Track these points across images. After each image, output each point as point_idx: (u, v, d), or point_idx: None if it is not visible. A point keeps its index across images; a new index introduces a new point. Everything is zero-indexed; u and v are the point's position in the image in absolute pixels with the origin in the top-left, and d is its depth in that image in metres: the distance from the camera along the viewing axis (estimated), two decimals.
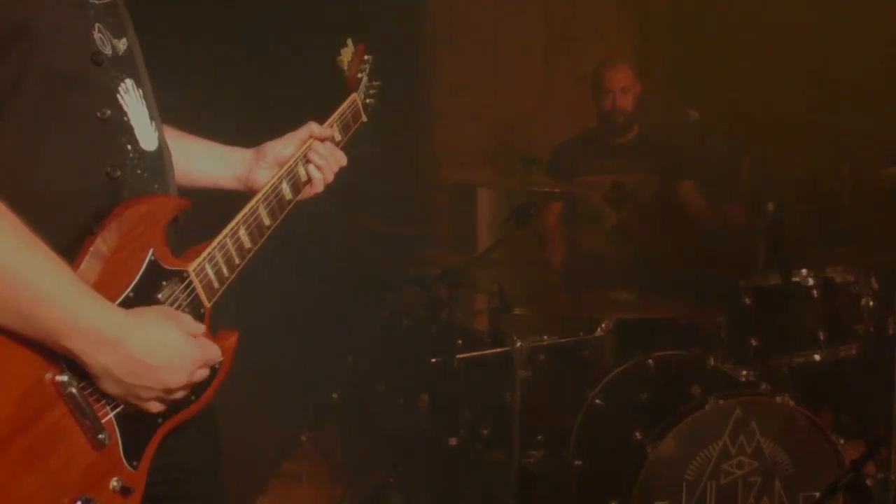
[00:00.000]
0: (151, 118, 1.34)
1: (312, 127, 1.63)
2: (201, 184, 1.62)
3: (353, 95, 1.73)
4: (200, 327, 1.28)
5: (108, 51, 1.26)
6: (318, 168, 1.61)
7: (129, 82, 1.30)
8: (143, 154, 1.30)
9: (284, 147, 1.61)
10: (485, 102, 4.82)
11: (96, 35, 1.24)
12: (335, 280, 4.00)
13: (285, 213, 1.53)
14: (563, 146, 4.01)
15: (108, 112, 1.24)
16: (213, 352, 1.29)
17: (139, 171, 1.29)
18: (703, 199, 3.78)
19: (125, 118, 1.27)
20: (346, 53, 1.72)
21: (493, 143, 4.84)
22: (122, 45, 1.31)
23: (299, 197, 1.60)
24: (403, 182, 4.62)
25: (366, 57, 1.79)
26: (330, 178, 1.64)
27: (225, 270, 1.37)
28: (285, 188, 1.52)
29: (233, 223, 1.40)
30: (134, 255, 1.23)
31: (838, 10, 4.00)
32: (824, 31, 4.07)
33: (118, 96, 1.27)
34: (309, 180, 1.61)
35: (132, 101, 1.30)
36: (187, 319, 1.26)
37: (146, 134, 1.32)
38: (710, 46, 4.47)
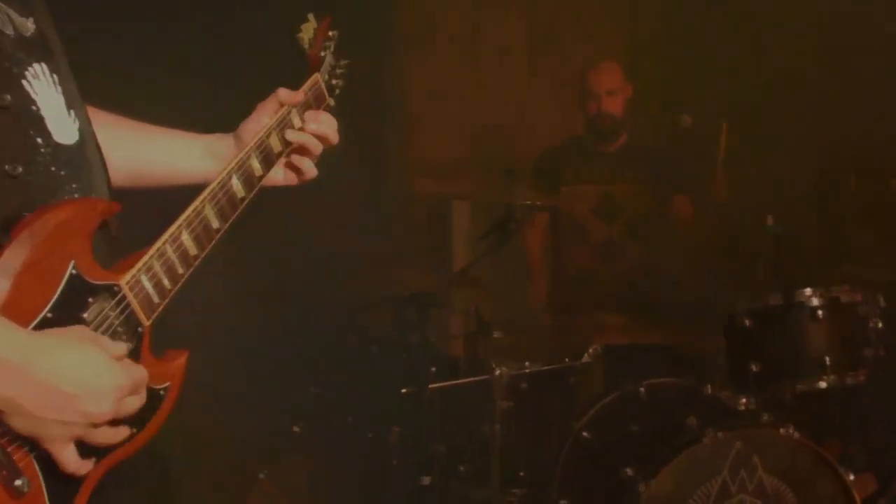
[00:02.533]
0: (70, 107, 1.28)
1: (280, 94, 1.60)
2: (187, 181, 1.58)
3: (316, 76, 1.68)
4: (122, 347, 1.21)
5: (9, 31, 1.20)
6: (301, 146, 1.59)
7: (39, 67, 1.24)
8: (57, 148, 1.23)
9: (257, 121, 1.58)
10: (462, 108, 4.82)
11: None
12: (295, 302, 3.94)
13: (239, 210, 1.47)
14: (547, 154, 4.02)
15: (9, 98, 1.17)
16: (140, 374, 1.22)
17: (53, 169, 1.21)
18: (692, 209, 3.78)
19: (33, 107, 1.21)
20: (308, 29, 1.67)
21: (470, 151, 4.83)
22: (29, 24, 1.25)
23: (289, 182, 1.57)
24: (372, 194, 4.59)
25: (330, 33, 1.73)
26: (317, 152, 1.61)
27: (166, 282, 1.30)
28: (236, 183, 1.47)
29: (173, 227, 1.34)
30: (52, 270, 1.16)
31: (844, 9, 4.04)
32: (829, 31, 4.11)
33: (24, 82, 1.20)
34: (285, 149, 1.57)
35: (43, 87, 1.23)
36: (106, 341, 1.20)
37: (62, 125, 1.25)
38: (705, 47, 4.49)
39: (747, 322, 2.87)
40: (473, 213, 4.66)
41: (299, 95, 1.62)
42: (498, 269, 3.89)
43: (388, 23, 4.75)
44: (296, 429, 3.76)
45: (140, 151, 1.55)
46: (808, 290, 2.86)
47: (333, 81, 1.74)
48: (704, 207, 3.65)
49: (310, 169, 1.62)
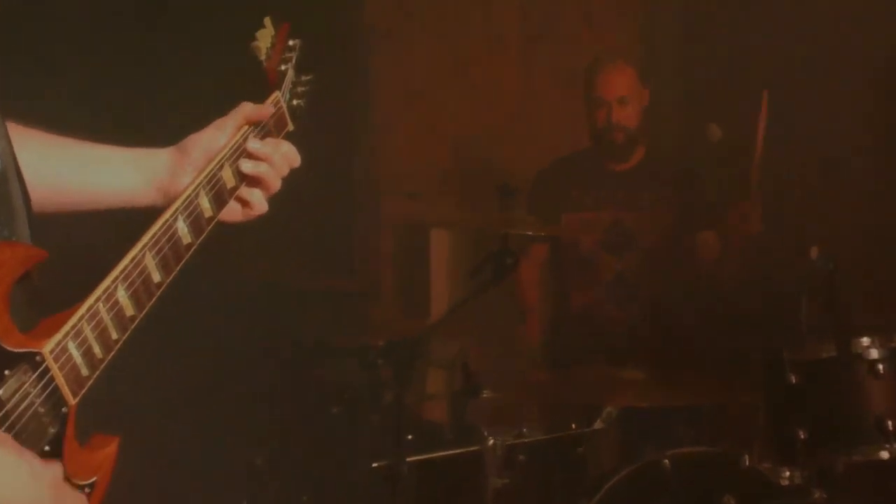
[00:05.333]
0: None
1: (245, 109, 1.60)
2: (111, 203, 1.58)
3: (276, 94, 1.69)
4: (50, 473, 1.20)
5: None
6: (257, 178, 1.58)
7: None
8: None
9: (213, 138, 1.58)
10: (444, 113, 4.84)
11: None
12: (240, 353, 3.93)
13: (184, 261, 1.47)
14: (547, 172, 4.05)
15: None
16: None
17: None
18: (718, 248, 3.81)
19: None
20: (264, 37, 1.67)
21: (454, 167, 4.85)
22: None
23: (232, 218, 1.58)
24: (333, 220, 4.59)
25: (290, 42, 1.75)
26: (276, 185, 1.61)
27: (97, 350, 1.30)
28: (182, 227, 1.46)
29: (107, 280, 1.33)
30: None
31: None
32: (887, 24, 4.16)
33: None
34: (239, 184, 1.57)
35: None
36: (33, 460, 1.18)
37: None
38: (737, 42, 4.53)
39: (793, 378, 2.88)
40: (458, 245, 4.66)
41: (268, 109, 1.62)
42: (489, 314, 3.90)
43: (354, 10, 4.77)
44: None
45: (46, 164, 1.54)
46: (865, 340, 2.86)
47: (295, 102, 1.74)
48: (734, 243, 3.66)
49: (260, 204, 1.63)
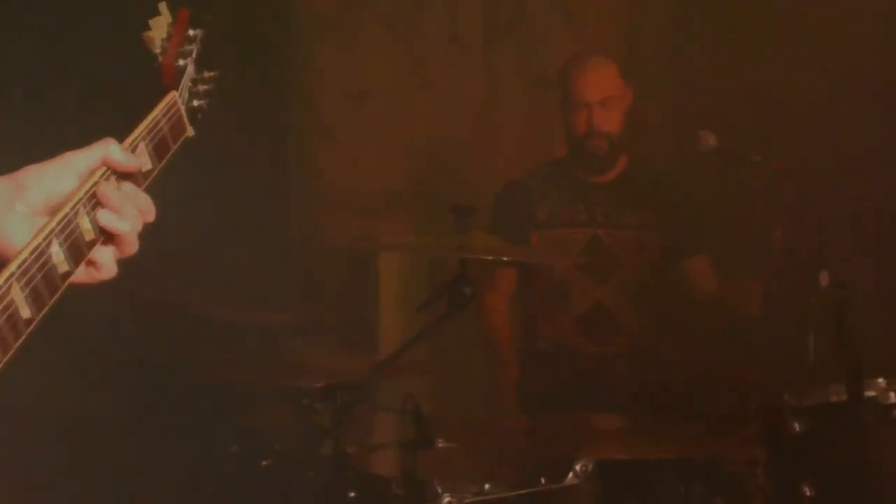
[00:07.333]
0: None
1: (111, 147, 1.51)
2: None
3: (173, 94, 1.66)
4: None
5: None
6: (110, 231, 1.49)
7: None
8: None
9: (59, 175, 1.50)
10: (395, 118, 4.85)
11: None
12: (154, 396, 3.90)
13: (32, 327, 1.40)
14: (513, 187, 4.04)
15: None
16: None
17: None
18: (715, 283, 3.84)
19: None
20: (159, 25, 1.65)
21: (405, 180, 4.86)
22: None
23: (76, 279, 1.48)
24: (265, 242, 4.56)
25: (191, 32, 1.73)
26: (133, 247, 1.53)
27: None
28: (19, 297, 1.36)
29: None
30: None
31: None
32: (889, 26, 4.21)
33: None
34: (97, 240, 1.49)
35: None
36: None
37: None
38: (732, 39, 4.56)
39: (797, 426, 2.90)
40: (409, 271, 4.67)
41: (135, 163, 1.53)
42: (445, 351, 3.88)
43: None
44: None
45: None
46: (881, 381, 2.90)
47: (195, 103, 1.71)
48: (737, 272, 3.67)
49: (110, 267, 1.53)
